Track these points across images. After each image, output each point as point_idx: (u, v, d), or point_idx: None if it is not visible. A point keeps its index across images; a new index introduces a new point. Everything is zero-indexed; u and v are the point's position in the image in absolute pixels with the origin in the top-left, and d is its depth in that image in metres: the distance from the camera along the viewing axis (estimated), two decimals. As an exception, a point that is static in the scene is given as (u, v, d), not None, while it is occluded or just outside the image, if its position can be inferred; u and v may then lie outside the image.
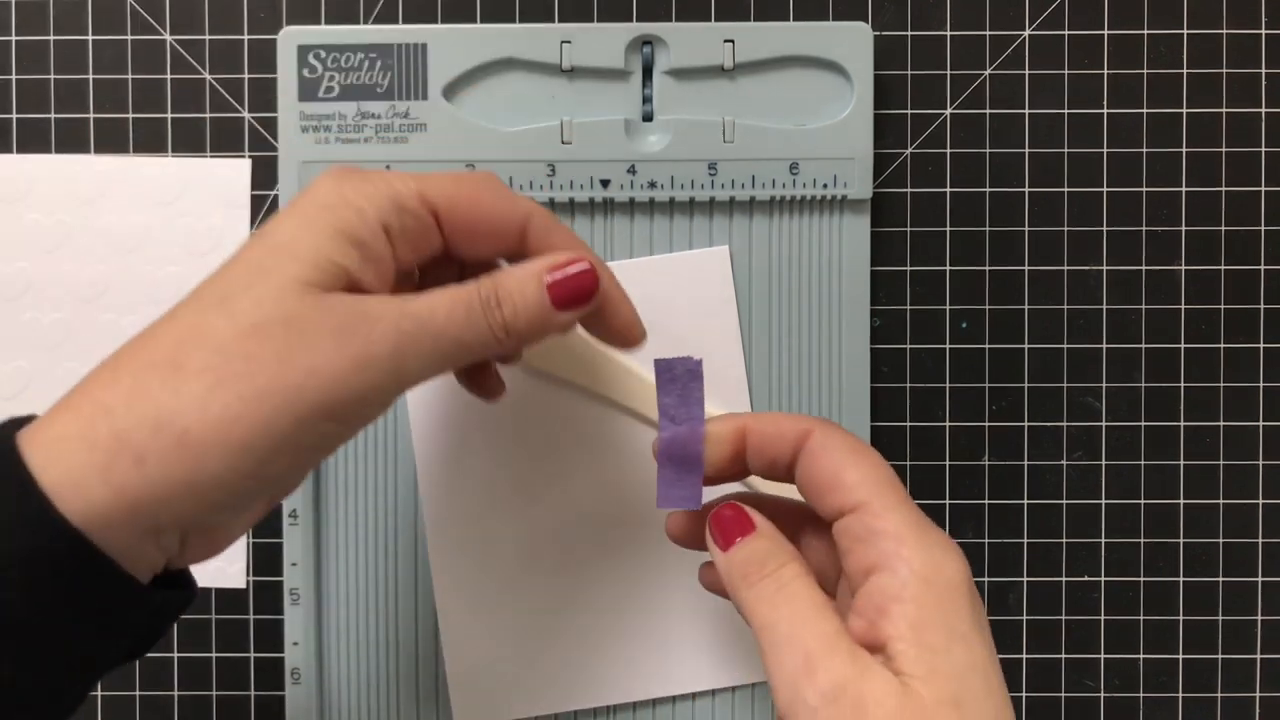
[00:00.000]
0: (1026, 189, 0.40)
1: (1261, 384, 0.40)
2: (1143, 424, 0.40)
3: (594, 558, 0.39)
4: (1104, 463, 0.40)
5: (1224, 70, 0.39)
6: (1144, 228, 0.40)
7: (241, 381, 0.24)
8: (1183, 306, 0.40)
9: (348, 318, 0.25)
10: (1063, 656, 0.40)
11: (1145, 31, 0.40)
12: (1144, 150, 0.40)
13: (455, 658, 0.38)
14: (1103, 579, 0.40)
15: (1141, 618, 0.40)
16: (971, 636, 0.26)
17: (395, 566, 0.39)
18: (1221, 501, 0.40)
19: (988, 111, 0.40)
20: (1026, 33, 0.40)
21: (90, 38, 0.40)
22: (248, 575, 0.39)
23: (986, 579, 0.40)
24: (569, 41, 0.38)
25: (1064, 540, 0.40)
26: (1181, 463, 0.40)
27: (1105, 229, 0.40)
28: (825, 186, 0.38)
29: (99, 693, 0.40)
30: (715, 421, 0.30)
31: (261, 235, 0.26)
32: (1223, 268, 0.40)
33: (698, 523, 0.30)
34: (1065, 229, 0.40)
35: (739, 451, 0.30)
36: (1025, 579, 0.40)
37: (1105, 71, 0.40)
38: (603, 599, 0.39)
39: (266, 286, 0.25)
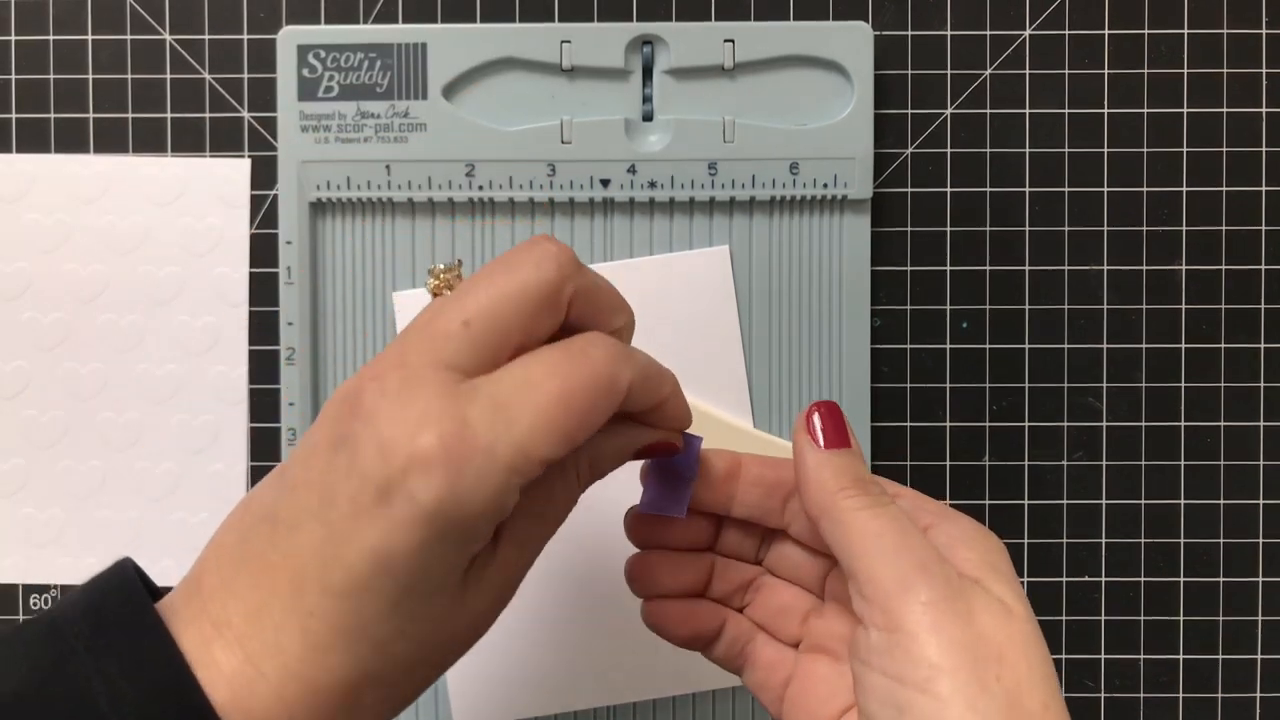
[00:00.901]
0: (1027, 189, 0.40)
1: (1262, 384, 0.40)
2: (1143, 424, 0.40)
3: (595, 558, 0.39)
4: (1104, 463, 0.40)
5: (1224, 70, 0.39)
6: (1144, 228, 0.40)
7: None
8: (1183, 306, 0.40)
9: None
10: (1063, 656, 0.40)
11: (1146, 31, 0.40)
12: (1144, 150, 0.40)
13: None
14: (1103, 579, 0.40)
15: (1142, 618, 0.40)
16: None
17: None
18: (1221, 501, 0.40)
19: (988, 111, 0.40)
20: (1027, 32, 0.40)
21: (90, 37, 0.40)
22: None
23: (987, 579, 0.40)
24: (569, 41, 0.38)
25: (1064, 540, 0.40)
26: (1182, 463, 0.40)
27: (1106, 229, 0.40)
28: (825, 186, 0.38)
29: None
30: (713, 451, 0.29)
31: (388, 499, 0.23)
32: (1223, 268, 0.40)
33: (662, 529, 0.30)
34: (1066, 229, 0.40)
35: (731, 475, 0.29)
36: (1026, 579, 0.40)
37: (1106, 71, 0.40)
38: (602, 599, 0.38)
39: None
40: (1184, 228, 0.40)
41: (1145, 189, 0.40)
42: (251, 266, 0.40)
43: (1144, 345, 0.40)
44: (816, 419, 0.28)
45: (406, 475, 0.22)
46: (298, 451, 0.25)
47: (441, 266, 0.27)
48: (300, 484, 0.24)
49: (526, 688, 0.38)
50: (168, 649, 0.23)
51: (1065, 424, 0.40)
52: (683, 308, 0.39)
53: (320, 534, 0.23)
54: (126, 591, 0.25)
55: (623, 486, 0.38)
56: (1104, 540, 0.40)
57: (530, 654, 0.38)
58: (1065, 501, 0.40)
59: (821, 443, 0.27)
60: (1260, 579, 0.40)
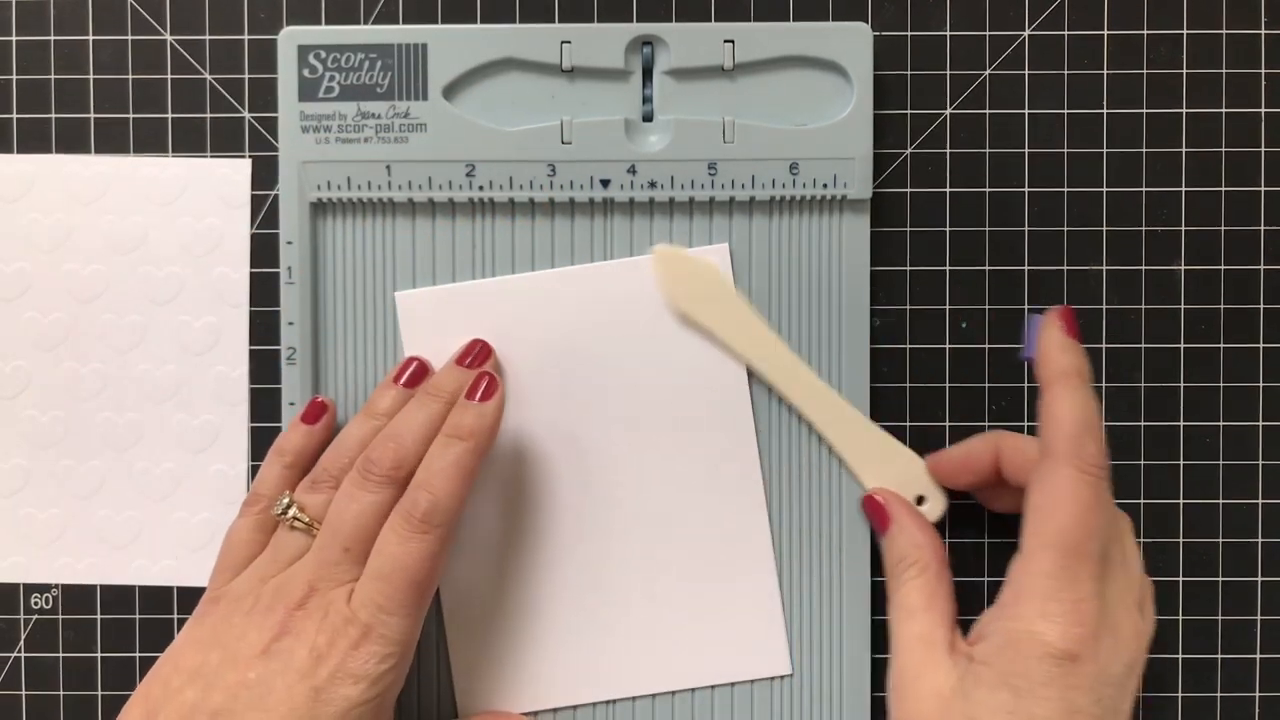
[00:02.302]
0: (1026, 189, 0.40)
1: (1261, 384, 0.40)
2: (1142, 424, 0.40)
3: (602, 552, 0.39)
4: (1104, 463, 0.40)
5: (1224, 70, 0.40)
6: (1144, 228, 0.40)
7: None
8: (1182, 306, 0.40)
9: None
10: (1063, 656, 0.40)
11: (1145, 32, 0.40)
12: (1144, 150, 0.40)
13: (460, 650, 0.38)
14: (1103, 579, 0.40)
15: (1141, 617, 0.40)
16: None
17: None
18: (1221, 501, 0.40)
19: (987, 111, 0.40)
20: (1026, 33, 0.40)
21: (90, 38, 0.40)
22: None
23: (986, 579, 0.40)
24: (569, 41, 0.38)
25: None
26: (1181, 463, 0.40)
27: (1105, 229, 0.40)
28: (825, 186, 0.38)
29: (99, 692, 0.40)
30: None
31: None
32: (1222, 268, 0.40)
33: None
34: (1065, 229, 0.40)
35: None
36: (1025, 579, 0.40)
37: (1105, 72, 0.40)
38: (607, 594, 0.39)
39: None
40: (1183, 228, 0.40)
41: (1144, 189, 0.40)
42: (252, 267, 0.40)
43: (1143, 345, 0.40)
44: (865, 508, 0.39)
45: (335, 671, 0.32)
46: (218, 660, 0.32)
47: (279, 507, 0.35)
48: (237, 685, 0.32)
49: (531, 681, 0.38)
50: None
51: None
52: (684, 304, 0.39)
53: (258, 718, 0.31)
54: None
55: (631, 488, 0.38)
56: (1103, 540, 0.40)
57: (535, 647, 0.38)
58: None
59: (878, 530, 0.38)
60: (1259, 579, 0.40)
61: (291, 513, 0.35)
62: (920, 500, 0.38)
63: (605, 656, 0.39)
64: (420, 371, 0.37)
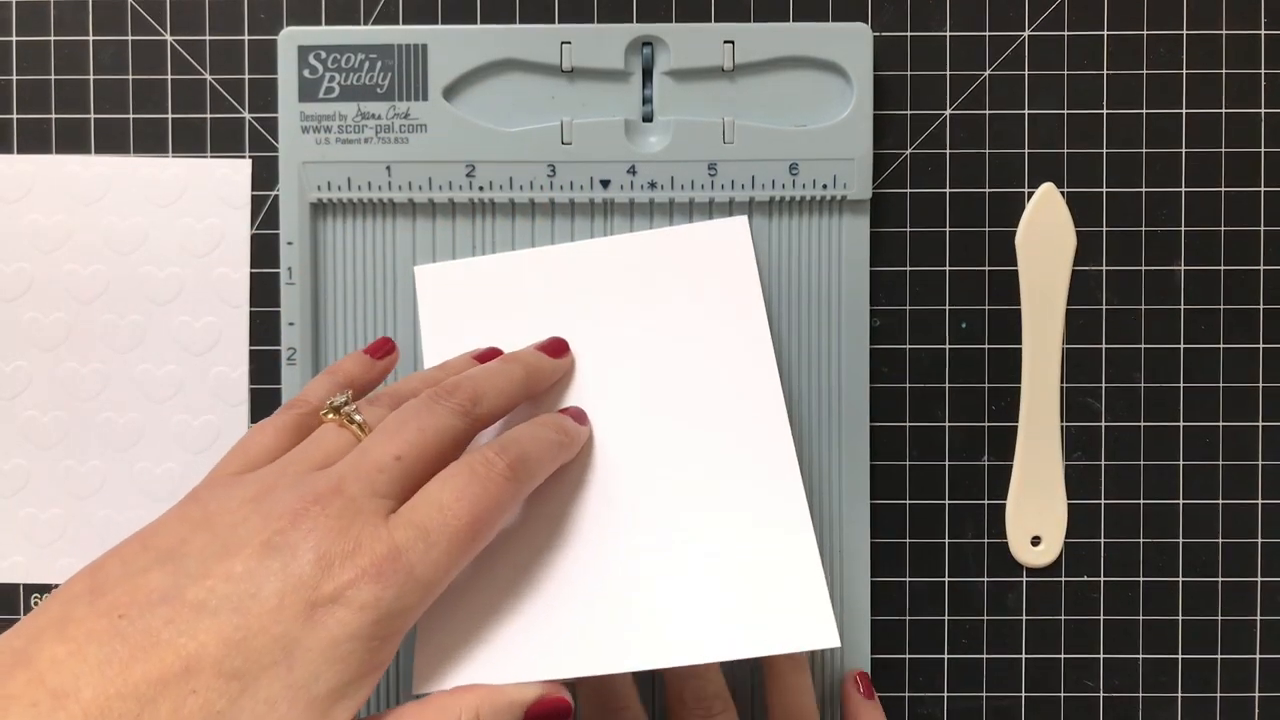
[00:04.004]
0: (1026, 189, 0.40)
1: (1261, 384, 0.40)
2: (1142, 424, 0.40)
3: (579, 524, 0.36)
4: (1103, 463, 0.40)
5: (1223, 71, 0.40)
6: (1144, 228, 0.40)
7: None
8: (1182, 307, 0.40)
9: None
10: (1062, 656, 0.40)
11: (1145, 32, 0.40)
12: (1143, 151, 0.40)
13: (429, 617, 0.35)
14: (1102, 579, 0.40)
15: (1141, 618, 0.40)
16: None
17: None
18: (1221, 501, 0.40)
19: (987, 112, 0.40)
20: (1026, 33, 0.40)
21: (91, 38, 0.40)
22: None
23: (986, 579, 0.40)
24: (569, 42, 0.38)
25: (1064, 540, 0.40)
26: (1181, 463, 0.40)
27: (1105, 229, 0.40)
28: (825, 187, 0.38)
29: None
30: None
31: None
32: (1222, 268, 0.40)
33: None
34: (1065, 229, 0.40)
35: None
36: (1025, 579, 0.40)
37: (1105, 72, 0.40)
38: (582, 565, 0.35)
39: None
40: (1183, 228, 0.40)
41: (1144, 190, 0.40)
42: (252, 267, 0.40)
43: (1143, 346, 0.40)
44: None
45: (341, 589, 0.26)
46: (201, 545, 0.27)
47: (335, 401, 0.31)
48: (218, 577, 0.26)
49: (495, 653, 0.36)
50: None
51: (1064, 424, 0.40)
52: (701, 278, 0.38)
53: (233, 622, 0.25)
54: None
55: (612, 457, 0.37)
56: (1103, 540, 0.40)
57: (503, 618, 0.36)
58: (1065, 502, 0.40)
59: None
60: (1259, 579, 0.40)
61: (347, 409, 0.31)
62: None
63: (579, 630, 0.35)
64: (493, 351, 0.36)
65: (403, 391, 0.32)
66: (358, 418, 0.30)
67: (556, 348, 0.36)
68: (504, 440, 0.30)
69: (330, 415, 0.31)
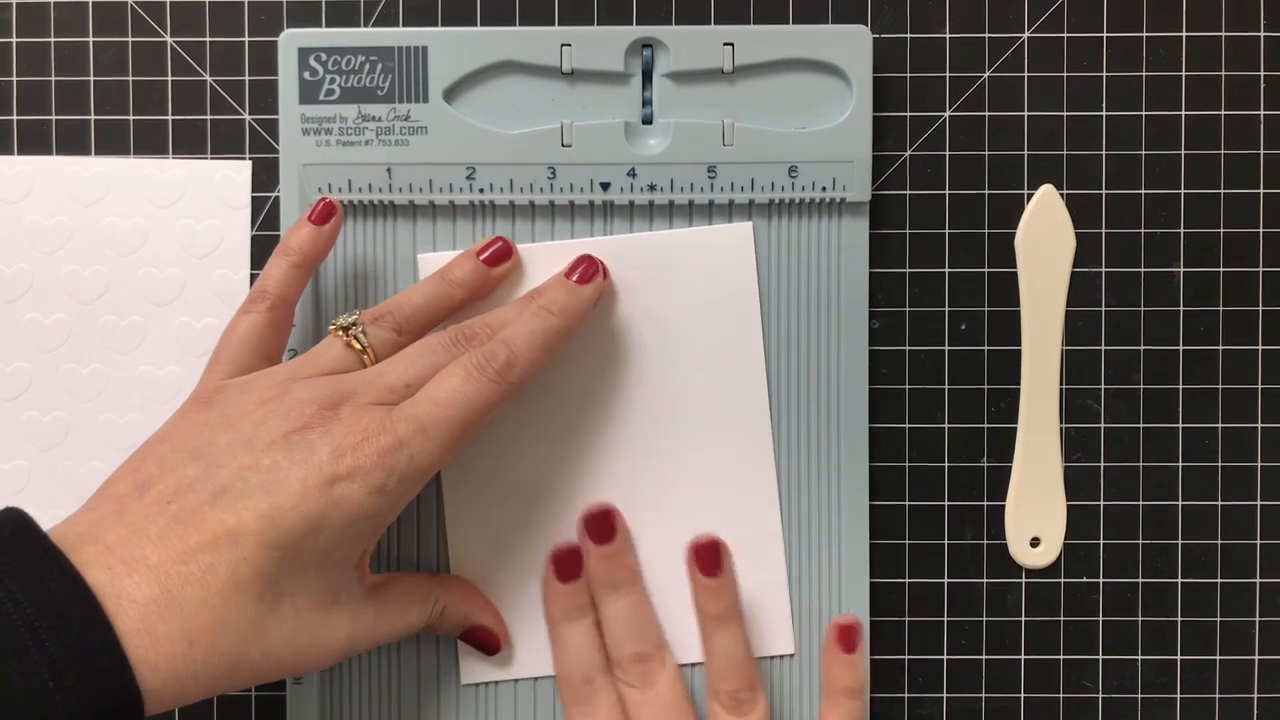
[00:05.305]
0: (1025, 191, 0.40)
1: (1260, 385, 0.40)
2: (1141, 426, 0.40)
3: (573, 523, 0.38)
4: (1103, 464, 0.40)
5: (1223, 73, 0.40)
6: (1143, 230, 0.40)
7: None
8: (1181, 308, 0.40)
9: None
10: (1061, 657, 0.40)
11: (1144, 34, 0.40)
12: (1143, 153, 0.40)
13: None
14: (1101, 580, 0.40)
15: (1140, 618, 0.40)
16: None
17: (397, 549, 0.39)
18: (1220, 502, 0.40)
19: (987, 114, 0.40)
20: (1025, 35, 0.40)
21: (91, 39, 0.40)
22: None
23: (985, 580, 0.40)
24: (569, 44, 0.38)
25: (1063, 541, 0.40)
26: (1180, 464, 0.40)
27: (1104, 231, 0.40)
28: (824, 189, 0.38)
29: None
30: None
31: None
32: (1221, 270, 0.40)
33: None
34: (1064, 231, 0.40)
35: None
36: (1024, 580, 0.40)
37: (1104, 74, 0.40)
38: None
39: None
40: (1182, 230, 0.40)
41: (1143, 191, 0.40)
42: (253, 268, 0.40)
43: (1142, 347, 0.40)
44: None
45: (352, 472, 0.31)
46: (227, 442, 0.31)
47: (344, 320, 0.34)
48: (249, 467, 0.31)
49: (534, 648, 0.38)
50: (65, 569, 0.28)
51: (1064, 425, 0.40)
52: (701, 283, 0.38)
53: (267, 502, 0.30)
54: (20, 524, 0.30)
55: (641, 458, 0.38)
56: (1102, 541, 0.40)
57: (523, 613, 0.38)
58: (1065, 502, 0.40)
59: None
60: (1258, 580, 0.40)
61: (356, 331, 0.34)
62: None
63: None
64: (504, 251, 0.37)
65: (403, 311, 0.35)
66: (364, 340, 0.34)
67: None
68: (496, 344, 0.34)
69: (343, 329, 0.34)
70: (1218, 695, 0.40)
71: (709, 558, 0.37)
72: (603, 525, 0.37)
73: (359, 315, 0.35)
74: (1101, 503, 0.40)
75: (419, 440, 0.32)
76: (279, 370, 0.34)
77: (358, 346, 0.34)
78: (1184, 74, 0.40)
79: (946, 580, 0.40)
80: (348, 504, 0.31)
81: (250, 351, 0.34)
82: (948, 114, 0.40)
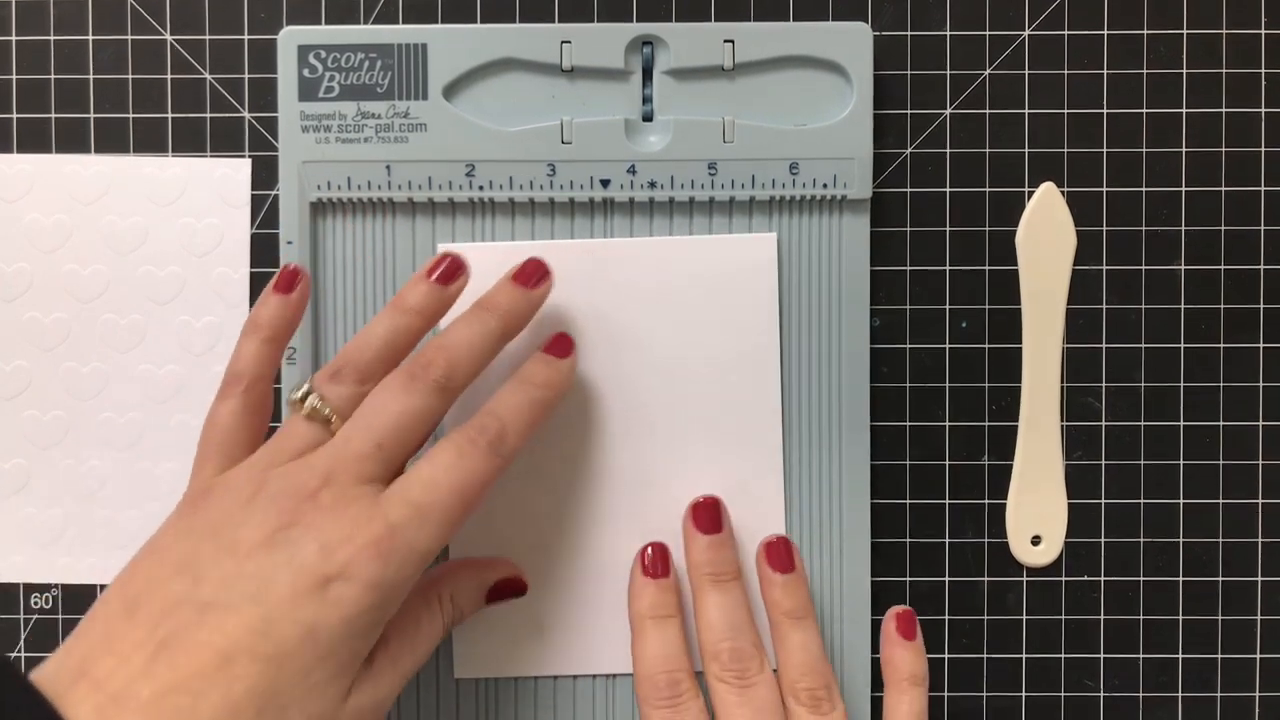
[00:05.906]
0: (1026, 189, 0.40)
1: (1261, 383, 0.40)
2: (1142, 424, 0.40)
3: (610, 522, 0.38)
4: (1104, 462, 0.40)
5: (1224, 70, 0.40)
6: (1144, 227, 0.40)
7: None
8: (1182, 306, 0.40)
9: None
10: (1062, 656, 0.40)
11: (1145, 31, 0.40)
12: (1144, 150, 0.40)
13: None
14: (1102, 579, 0.40)
15: (1141, 617, 0.40)
16: None
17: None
18: (1221, 501, 0.40)
19: (987, 111, 0.40)
20: (1026, 33, 0.40)
21: (90, 37, 0.40)
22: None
23: (986, 579, 0.40)
24: (569, 41, 0.38)
25: (1064, 540, 0.40)
26: (1181, 462, 0.40)
27: (1105, 229, 0.40)
28: (825, 186, 0.38)
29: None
30: None
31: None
32: (1222, 267, 0.40)
33: None
34: (1065, 229, 0.40)
35: None
36: (1025, 579, 0.40)
37: (1105, 71, 0.40)
38: (616, 565, 0.38)
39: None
40: (1183, 227, 0.40)
41: (1144, 189, 0.40)
42: (252, 267, 0.40)
43: (1143, 345, 0.40)
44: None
45: (345, 569, 0.29)
46: (211, 550, 0.29)
47: (298, 393, 0.32)
48: (233, 575, 0.29)
49: (531, 646, 0.38)
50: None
51: (1064, 424, 0.40)
52: (722, 292, 0.38)
53: (256, 614, 0.28)
54: (2, 674, 0.27)
55: (645, 459, 0.38)
56: (1103, 540, 0.40)
57: (539, 613, 0.38)
58: (1065, 501, 0.40)
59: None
60: (1259, 579, 0.40)
61: (311, 400, 0.32)
62: None
63: (610, 628, 0.38)
64: (454, 268, 0.35)
65: (363, 357, 0.33)
66: (325, 410, 0.32)
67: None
68: (484, 416, 0.33)
69: (298, 402, 0.32)
70: (1219, 694, 0.40)
71: (781, 554, 0.37)
72: (712, 515, 0.37)
73: (311, 380, 0.33)
74: (1103, 501, 0.40)
75: (415, 524, 0.30)
76: (257, 459, 0.32)
77: (319, 416, 0.32)
78: (1185, 71, 0.40)
79: (948, 579, 0.40)
80: (344, 604, 0.29)
81: (234, 442, 0.33)
82: (948, 111, 0.40)
